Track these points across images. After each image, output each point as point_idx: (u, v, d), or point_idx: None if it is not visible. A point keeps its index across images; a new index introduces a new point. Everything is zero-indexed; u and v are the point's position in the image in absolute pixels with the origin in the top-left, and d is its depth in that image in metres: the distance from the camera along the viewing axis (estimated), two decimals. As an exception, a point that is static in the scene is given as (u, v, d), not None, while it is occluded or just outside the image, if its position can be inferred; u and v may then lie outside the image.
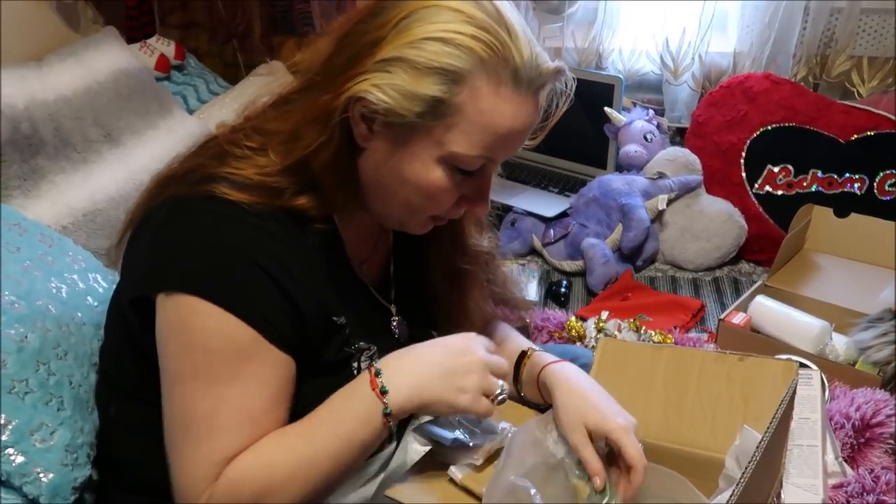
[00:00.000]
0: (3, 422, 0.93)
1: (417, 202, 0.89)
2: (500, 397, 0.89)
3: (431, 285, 1.07)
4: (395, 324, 1.04)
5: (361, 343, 0.96)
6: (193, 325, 0.84)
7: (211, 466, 0.84)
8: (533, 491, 0.87)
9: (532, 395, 1.07)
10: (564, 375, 1.00)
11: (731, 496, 0.77)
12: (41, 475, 0.94)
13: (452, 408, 0.88)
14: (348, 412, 0.87)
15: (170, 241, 0.87)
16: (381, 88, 0.81)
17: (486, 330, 1.16)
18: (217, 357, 0.84)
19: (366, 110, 0.83)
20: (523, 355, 1.08)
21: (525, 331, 1.23)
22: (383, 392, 0.86)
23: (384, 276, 1.06)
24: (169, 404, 0.87)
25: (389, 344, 1.01)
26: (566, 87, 0.92)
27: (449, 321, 1.08)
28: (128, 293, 0.92)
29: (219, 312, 0.83)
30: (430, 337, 1.07)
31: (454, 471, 0.94)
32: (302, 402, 0.91)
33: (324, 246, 0.93)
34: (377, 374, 0.87)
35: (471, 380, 0.87)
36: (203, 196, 0.87)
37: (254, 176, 0.88)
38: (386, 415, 0.86)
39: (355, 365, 0.95)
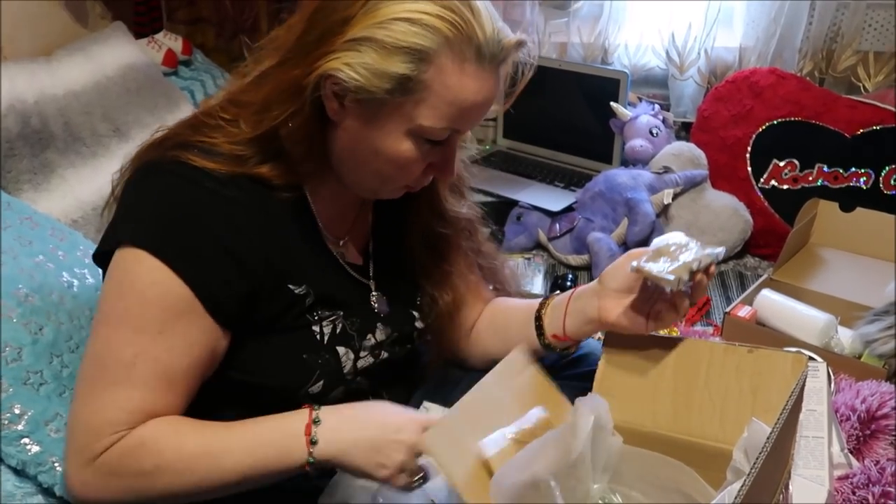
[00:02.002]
0: (18, 412, 0.95)
1: (389, 172, 0.93)
2: (417, 482, 0.90)
3: (411, 251, 1.10)
4: (374, 299, 1.06)
5: (325, 311, 0.99)
6: (134, 274, 0.88)
7: (119, 413, 0.86)
8: (553, 483, 0.87)
9: (556, 328, 1.09)
10: None
11: (741, 487, 0.77)
12: (56, 465, 0.96)
13: (371, 478, 0.90)
14: (273, 440, 0.89)
15: (130, 199, 0.92)
16: (351, 67, 0.84)
17: (475, 300, 1.19)
18: (150, 307, 0.87)
19: (337, 87, 0.87)
20: (543, 304, 1.12)
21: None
22: (313, 442, 0.88)
23: (365, 254, 1.08)
24: (91, 343, 0.90)
25: (370, 317, 1.04)
26: (529, 56, 0.96)
27: (432, 285, 1.11)
28: (95, 251, 0.96)
29: (162, 267, 0.86)
30: (412, 317, 1.11)
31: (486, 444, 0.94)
32: (257, 358, 0.94)
33: (292, 216, 0.96)
34: (315, 421, 0.89)
35: (394, 458, 0.88)
36: (170, 160, 0.91)
37: (223, 144, 0.91)
38: (309, 463, 0.88)
39: (316, 329, 0.98)
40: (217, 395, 0.96)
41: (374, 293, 1.07)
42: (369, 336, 1.04)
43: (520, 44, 0.91)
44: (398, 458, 0.88)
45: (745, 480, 0.77)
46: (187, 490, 0.88)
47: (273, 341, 0.95)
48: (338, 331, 1.00)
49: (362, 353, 1.02)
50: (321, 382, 0.97)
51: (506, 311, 1.18)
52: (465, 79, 0.87)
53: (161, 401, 0.88)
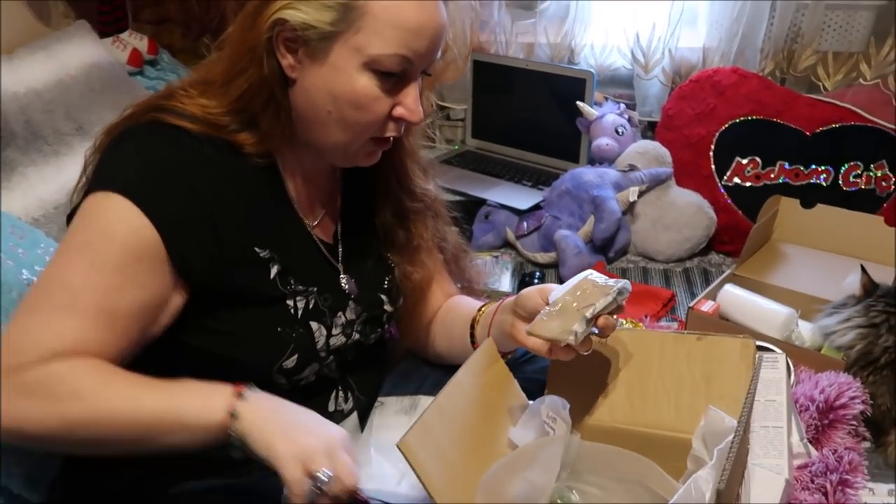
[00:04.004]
0: (-26, 410, 0.93)
1: (351, 116, 0.94)
2: (318, 483, 0.81)
3: (383, 227, 1.13)
4: (343, 281, 1.08)
5: (299, 286, 1.00)
6: (104, 211, 0.88)
7: (51, 337, 0.84)
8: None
9: (483, 337, 1.11)
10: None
11: (721, 475, 0.79)
12: (14, 464, 0.95)
13: (276, 460, 0.82)
14: (199, 390, 0.86)
15: (105, 160, 0.93)
16: (293, 7, 0.89)
17: (438, 291, 1.21)
18: (112, 244, 0.87)
19: (287, 34, 0.90)
20: (480, 311, 1.14)
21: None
22: (240, 395, 0.85)
23: (334, 238, 1.10)
24: (46, 268, 0.90)
25: (341, 296, 1.06)
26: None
27: (403, 261, 1.14)
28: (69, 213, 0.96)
29: (134, 210, 0.87)
30: (380, 301, 1.13)
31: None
32: (233, 330, 0.95)
33: (264, 185, 0.98)
34: (241, 395, 0.85)
35: (308, 442, 0.83)
36: (146, 122, 0.93)
37: (198, 111, 0.94)
38: (231, 415, 0.83)
39: (290, 303, 0.99)
40: (194, 374, 0.96)
41: (342, 276, 1.08)
42: (340, 314, 1.05)
43: None
44: (312, 443, 0.83)
45: (721, 476, 0.78)
46: (98, 423, 0.83)
47: (248, 313, 0.96)
48: (310, 306, 1.01)
49: (334, 331, 1.04)
50: (295, 356, 0.98)
51: (454, 311, 1.20)
52: None
53: (96, 336, 0.86)
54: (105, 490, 0.98)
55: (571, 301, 0.95)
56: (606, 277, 0.98)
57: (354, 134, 0.96)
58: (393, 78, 0.93)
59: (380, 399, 1.12)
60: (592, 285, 0.97)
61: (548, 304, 0.97)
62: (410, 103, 0.96)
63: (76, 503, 1.00)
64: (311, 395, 1.04)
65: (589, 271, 1.00)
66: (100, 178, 0.91)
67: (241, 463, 0.98)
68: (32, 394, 0.82)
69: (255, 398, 0.85)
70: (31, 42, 1.72)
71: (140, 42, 2.03)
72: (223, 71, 0.95)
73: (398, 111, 0.96)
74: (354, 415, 1.08)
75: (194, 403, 0.84)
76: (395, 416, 1.10)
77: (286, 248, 1.00)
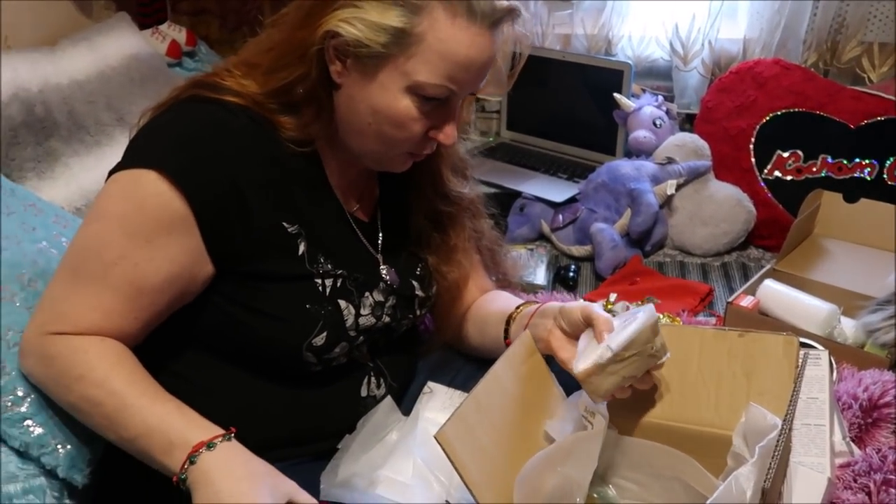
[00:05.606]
0: (21, 394, 0.95)
1: (389, 132, 0.96)
2: None
3: (416, 229, 1.14)
4: (384, 271, 1.09)
5: (328, 265, 1.01)
6: (138, 185, 0.91)
7: (85, 310, 0.91)
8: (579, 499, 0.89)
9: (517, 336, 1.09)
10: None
11: (764, 481, 0.78)
12: (59, 447, 0.96)
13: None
14: (166, 435, 0.88)
15: (141, 134, 0.96)
16: (349, 22, 0.90)
17: (473, 287, 1.21)
18: (146, 217, 0.91)
19: (338, 44, 0.92)
20: (517, 309, 1.13)
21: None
22: (191, 461, 0.86)
23: (372, 227, 1.11)
24: (83, 233, 0.94)
25: (370, 279, 1.07)
26: (524, 28, 1.00)
27: (439, 261, 1.15)
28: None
29: (166, 184, 0.90)
30: (411, 286, 1.13)
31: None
32: (263, 307, 0.97)
33: (302, 164, 1.00)
34: (210, 445, 0.87)
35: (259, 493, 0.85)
36: (185, 98, 0.96)
37: (239, 89, 0.96)
38: (181, 479, 0.86)
39: (319, 281, 1.00)
40: (230, 346, 0.99)
41: (382, 266, 1.09)
42: (367, 294, 1.05)
43: (511, 10, 0.94)
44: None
45: (767, 473, 0.77)
46: (87, 413, 0.91)
47: (276, 288, 0.98)
48: (338, 285, 1.02)
49: (363, 311, 1.04)
50: (325, 334, 0.99)
51: (488, 307, 1.19)
52: (456, 32, 0.90)
53: (123, 307, 0.92)
54: (145, 473, 1.00)
55: (624, 358, 0.91)
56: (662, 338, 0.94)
57: (389, 146, 0.99)
58: (434, 102, 0.95)
59: (429, 385, 1.12)
60: (648, 350, 0.92)
61: (584, 319, 0.97)
62: (447, 128, 0.98)
63: (118, 485, 1.03)
64: (342, 378, 1.05)
65: (653, 314, 0.93)
66: (136, 151, 0.94)
67: (264, 449, 0.99)
68: (51, 361, 0.91)
69: (206, 462, 0.86)
70: (74, 34, 1.75)
71: (178, 34, 2.05)
72: (270, 59, 0.96)
73: (434, 133, 0.98)
74: (389, 397, 1.09)
75: (157, 445, 0.88)
76: (443, 413, 1.08)
77: (319, 227, 1.01)
